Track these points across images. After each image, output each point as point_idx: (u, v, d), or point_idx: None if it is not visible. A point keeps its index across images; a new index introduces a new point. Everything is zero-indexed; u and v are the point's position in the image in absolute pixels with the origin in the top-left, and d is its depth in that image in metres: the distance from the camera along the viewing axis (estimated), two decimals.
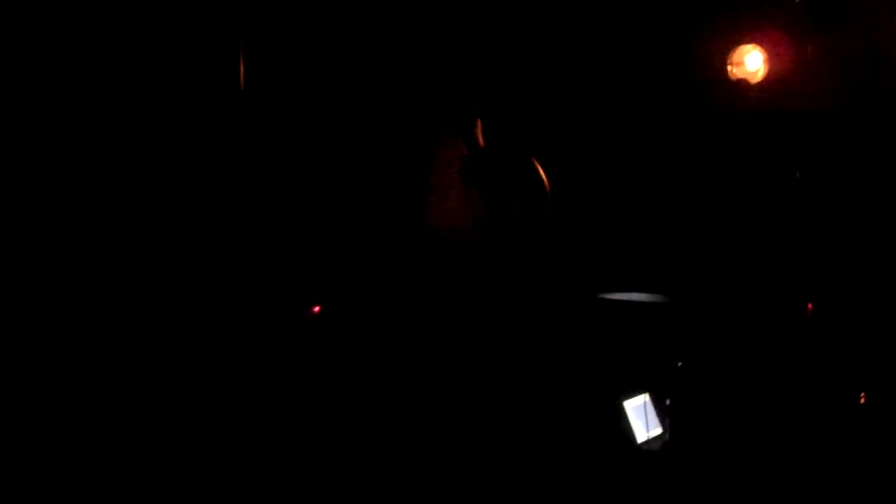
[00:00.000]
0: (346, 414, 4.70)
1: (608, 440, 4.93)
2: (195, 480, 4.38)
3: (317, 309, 4.75)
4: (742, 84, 5.46)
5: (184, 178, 4.80)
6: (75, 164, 4.58)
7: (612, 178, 5.90)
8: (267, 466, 4.51)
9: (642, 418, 5.02)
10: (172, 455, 4.44)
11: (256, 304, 4.76)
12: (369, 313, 4.93)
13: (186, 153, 4.82)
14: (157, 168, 4.73)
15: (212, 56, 4.89)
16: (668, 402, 5.00)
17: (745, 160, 5.69)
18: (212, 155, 4.87)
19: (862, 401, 4.96)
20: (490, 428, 4.63)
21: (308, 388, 4.72)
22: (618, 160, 5.88)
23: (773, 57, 5.45)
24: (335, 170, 5.26)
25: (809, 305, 5.25)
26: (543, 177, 4.67)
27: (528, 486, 4.50)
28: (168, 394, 4.58)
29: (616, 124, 5.85)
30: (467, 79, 5.32)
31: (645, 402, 5.06)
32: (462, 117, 4.75)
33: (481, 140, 4.74)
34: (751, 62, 5.45)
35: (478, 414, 4.64)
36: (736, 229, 5.70)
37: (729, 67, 5.48)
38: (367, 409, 4.70)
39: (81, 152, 4.59)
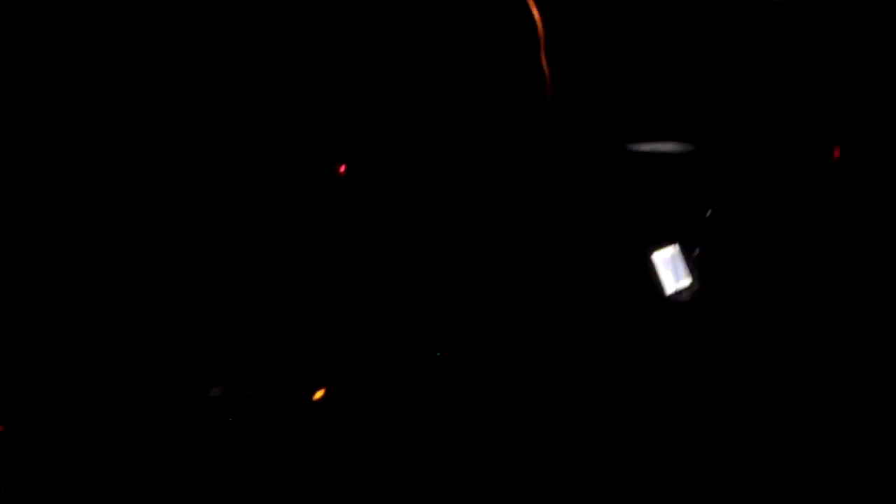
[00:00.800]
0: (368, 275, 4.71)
1: (637, 291, 4.94)
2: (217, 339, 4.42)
3: (342, 168, 4.69)
4: None
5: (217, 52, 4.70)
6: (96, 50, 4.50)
7: (633, 24, 5.74)
8: (284, 328, 4.53)
9: (671, 269, 5.02)
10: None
11: (281, 161, 4.70)
12: (392, 174, 4.87)
13: (215, 31, 4.70)
14: (187, 54, 4.64)
15: None
16: (697, 252, 4.99)
17: (776, 7, 5.54)
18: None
19: None
20: (516, 279, 4.62)
21: (334, 248, 4.70)
22: (641, 5, 5.73)
23: None
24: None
25: (836, 151, 5.18)
26: (537, 15, 3.94)
27: (556, 339, 4.52)
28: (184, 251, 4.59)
29: None
30: None
31: (674, 253, 5.04)
32: None
33: None
34: None
35: (503, 265, 4.62)
36: (763, 75, 5.59)
37: None
38: (390, 271, 4.70)
39: (103, 37, 4.51)
